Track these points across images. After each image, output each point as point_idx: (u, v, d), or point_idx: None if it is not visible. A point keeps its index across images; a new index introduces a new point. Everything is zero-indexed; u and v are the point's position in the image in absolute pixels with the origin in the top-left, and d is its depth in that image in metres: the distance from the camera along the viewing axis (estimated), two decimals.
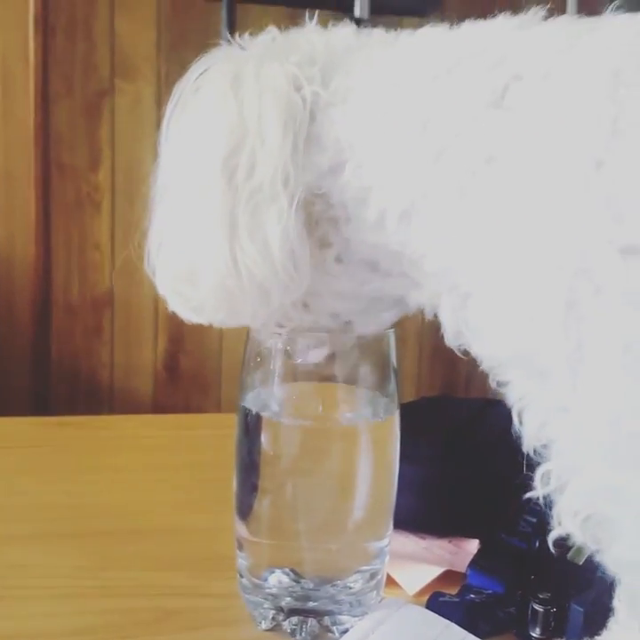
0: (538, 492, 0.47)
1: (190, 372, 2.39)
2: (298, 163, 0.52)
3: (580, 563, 0.66)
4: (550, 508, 0.47)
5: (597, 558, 0.47)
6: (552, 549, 0.48)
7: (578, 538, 0.46)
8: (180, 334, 2.34)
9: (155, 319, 2.31)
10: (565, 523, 0.46)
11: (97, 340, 2.34)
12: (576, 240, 0.43)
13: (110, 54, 2.21)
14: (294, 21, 0.57)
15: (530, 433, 0.47)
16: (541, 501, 0.47)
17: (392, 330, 0.63)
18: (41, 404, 2.30)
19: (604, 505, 0.45)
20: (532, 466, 0.48)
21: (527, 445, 0.47)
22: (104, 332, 2.34)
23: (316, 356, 0.62)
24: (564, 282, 0.44)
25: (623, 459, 0.43)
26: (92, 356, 2.35)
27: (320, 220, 0.55)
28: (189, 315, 0.57)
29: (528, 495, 0.48)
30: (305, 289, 0.55)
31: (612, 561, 0.46)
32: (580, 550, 0.66)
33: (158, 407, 2.38)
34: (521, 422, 0.48)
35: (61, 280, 2.29)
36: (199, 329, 2.03)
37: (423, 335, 2.43)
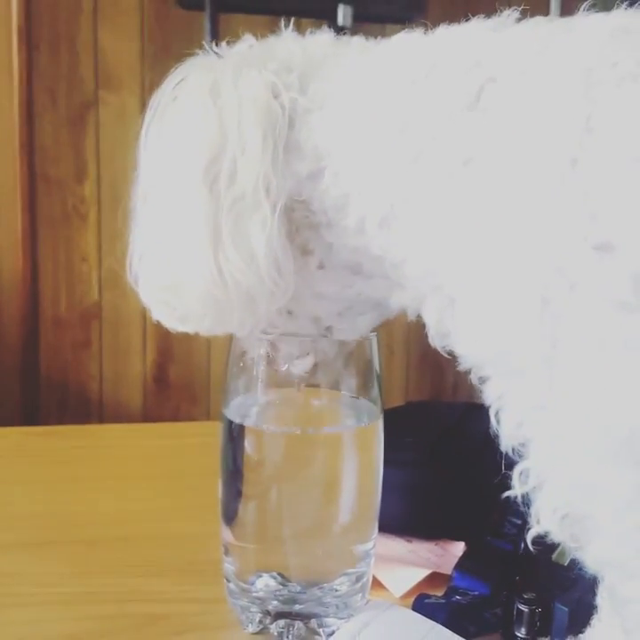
0: (516, 490, 0.47)
1: (179, 383, 2.39)
2: (279, 170, 0.52)
3: (565, 563, 0.67)
4: (529, 507, 0.47)
5: (577, 556, 0.47)
6: (531, 548, 0.48)
7: (556, 536, 0.46)
8: (168, 345, 2.34)
9: (143, 330, 2.31)
10: (544, 521, 0.46)
11: (85, 353, 2.34)
12: (552, 238, 0.44)
13: (94, 66, 2.22)
14: (277, 30, 0.57)
15: (507, 432, 0.47)
16: (519, 500, 0.47)
17: (374, 334, 0.63)
18: (31, 417, 2.30)
19: (581, 502, 0.45)
20: (512, 465, 0.48)
21: (505, 445, 0.48)
22: (92, 344, 2.34)
23: (303, 366, 0.62)
24: (539, 279, 0.44)
25: (600, 456, 0.43)
26: (80, 368, 2.35)
27: (301, 226, 0.55)
28: (174, 324, 0.57)
29: (506, 494, 0.48)
30: (289, 295, 0.55)
31: (590, 559, 0.46)
32: (564, 551, 0.67)
33: (148, 418, 2.37)
34: (498, 422, 0.48)
35: (49, 292, 2.29)
36: (187, 339, 2.02)
37: (411, 343, 2.44)
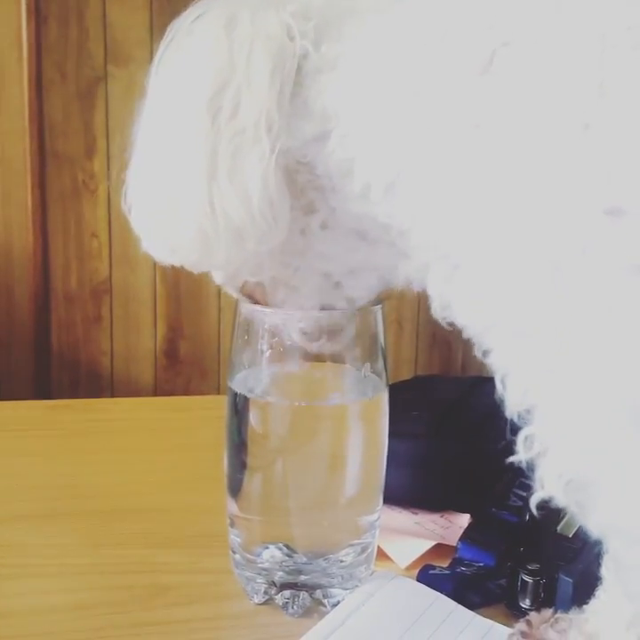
0: (520, 456, 0.47)
1: (189, 358, 2.40)
2: (283, 110, 0.51)
3: (570, 535, 0.67)
4: (533, 472, 0.47)
5: (580, 522, 0.47)
6: (535, 513, 0.47)
7: (560, 501, 0.46)
8: (178, 321, 2.34)
9: (153, 306, 2.31)
10: (548, 486, 0.46)
11: (96, 328, 2.35)
12: (563, 202, 0.44)
13: (103, 41, 2.21)
14: None
15: (513, 398, 0.47)
16: (524, 466, 0.47)
17: (380, 306, 0.63)
18: (43, 392, 2.31)
19: (587, 468, 0.45)
20: (517, 433, 0.48)
21: (510, 411, 0.47)
22: (103, 320, 2.34)
23: (308, 337, 0.62)
24: (550, 244, 0.44)
25: (608, 421, 0.43)
26: (92, 343, 2.36)
27: (305, 188, 0.55)
28: (164, 255, 0.56)
29: (510, 459, 0.47)
30: (281, 238, 0.54)
31: (595, 524, 0.46)
32: (569, 523, 0.67)
33: (159, 393, 2.38)
34: (504, 387, 0.48)
35: (60, 269, 2.30)
36: (197, 315, 2.02)
37: (420, 319, 2.43)
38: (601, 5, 0.46)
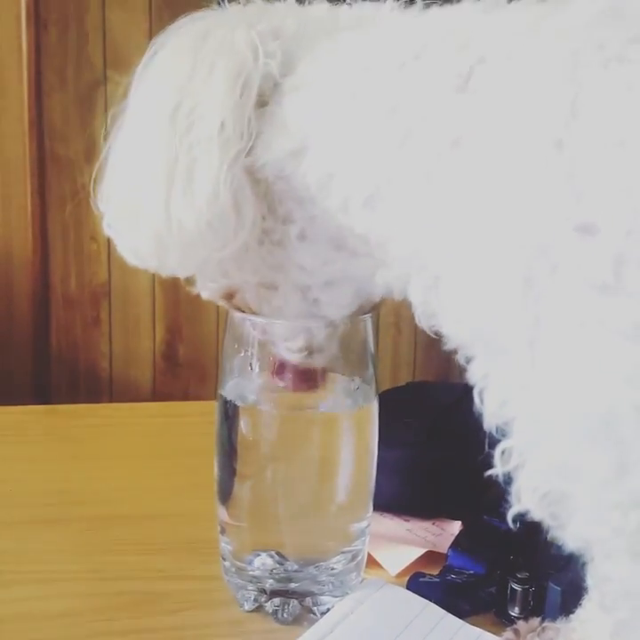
0: (497, 469, 0.47)
1: (188, 361, 2.40)
2: (245, 123, 0.53)
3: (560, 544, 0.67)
4: (509, 485, 0.47)
5: (557, 534, 0.47)
6: (511, 526, 0.48)
7: (536, 514, 0.46)
8: (177, 324, 2.35)
9: (152, 309, 2.31)
10: (524, 499, 0.46)
11: (96, 331, 2.35)
12: (536, 219, 0.44)
13: (103, 46, 2.21)
14: None
15: (491, 411, 0.47)
16: (501, 479, 0.47)
17: (369, 315, 0.63)
18: (42, 394, 2.31)
19: (561, 482, 0.45)
20: (495, 445, 0.48)
21: (488, 424, 0.48)
22: (102, 323, 2.35)
23: (292, 348, 0.62)
24: (522, 260, 0.44)
25: (578, 435, 0.43)
26: (91, 346, 2.36)
27: (284, 198, 0.55)
28: (129, 256, 0.58)
29: (488, 473, 0.48)
30: (236, 247, 0.55)
31: (571, 537, 0.47)
32: None
33: (158, 396, 2.38)
34: (482, 401, 0.48)
35: (59, 272, 2.30)
36: (196, 318, 2.01)
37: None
38: (574, 22, 0.46)
